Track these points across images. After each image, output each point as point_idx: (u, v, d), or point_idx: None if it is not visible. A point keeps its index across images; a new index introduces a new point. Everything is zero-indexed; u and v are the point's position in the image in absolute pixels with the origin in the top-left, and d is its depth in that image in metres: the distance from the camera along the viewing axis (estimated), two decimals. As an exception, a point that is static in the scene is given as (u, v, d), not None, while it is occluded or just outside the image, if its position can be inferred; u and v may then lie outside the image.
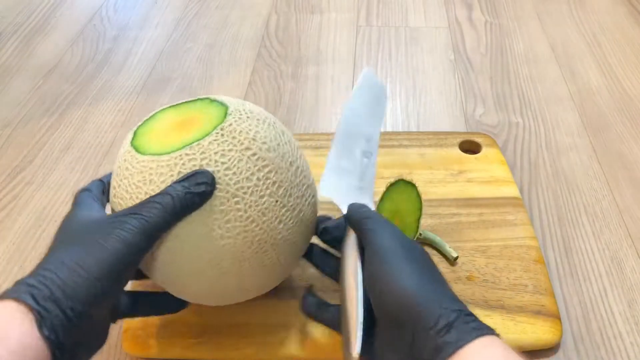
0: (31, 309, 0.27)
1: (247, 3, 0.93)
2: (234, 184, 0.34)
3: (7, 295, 0.28)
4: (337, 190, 0.41)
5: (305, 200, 0.39)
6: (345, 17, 0.89)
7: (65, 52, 0.82)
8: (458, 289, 0.46)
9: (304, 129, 0.67)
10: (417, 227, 0.48)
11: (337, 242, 0.40)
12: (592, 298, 0.48)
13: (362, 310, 0.33)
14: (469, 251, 0.49)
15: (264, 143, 0.36)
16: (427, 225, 0.52)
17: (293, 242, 0.38)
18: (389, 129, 0.67)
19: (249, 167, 0.35)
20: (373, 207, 0.40)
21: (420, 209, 0.48)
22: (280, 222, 0.36)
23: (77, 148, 0.65)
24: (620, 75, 0.75)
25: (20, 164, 0.63)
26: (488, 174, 0.57)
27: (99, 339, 0.33)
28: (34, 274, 0.29)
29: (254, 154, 0.35)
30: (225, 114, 0.37)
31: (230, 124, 0.36)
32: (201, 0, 0.93)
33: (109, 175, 0.39)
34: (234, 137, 0.35)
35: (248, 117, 0.37)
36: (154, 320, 0.44)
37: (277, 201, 0.36)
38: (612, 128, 0.67)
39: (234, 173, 0.35)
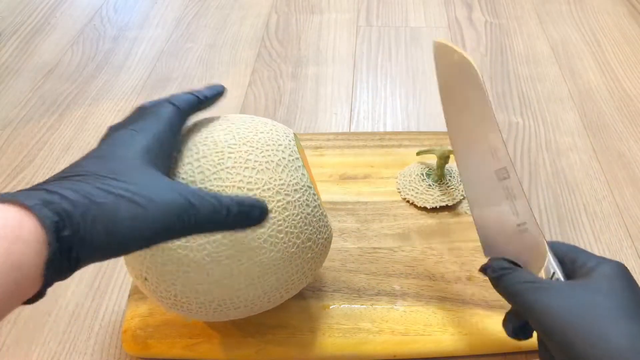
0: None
1: (247, 3, 0.93)
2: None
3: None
4: None
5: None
6: (345, 17, 0.89)
7: (65, 52, 0.82)
8: (458, 289, 0.46)
9: (304, 129, 0.67)
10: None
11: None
12: (592, 298, 0.48)
13: None
14: (469, 251, 0.49)
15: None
16: (427, 225, 0.52)
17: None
18: (389, 129, 0.67)
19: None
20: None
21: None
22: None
23: (77, 148, 0.65)
24: (620, 75, 0.75)
25: (20, 164, 0.63)
26: (488, 174, 0.57)
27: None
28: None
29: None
30: None
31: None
32: (201, 0, 0.93)
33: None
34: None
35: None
36: (154, 320, 0.44)
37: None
38: (612, 128, 0.67)
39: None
